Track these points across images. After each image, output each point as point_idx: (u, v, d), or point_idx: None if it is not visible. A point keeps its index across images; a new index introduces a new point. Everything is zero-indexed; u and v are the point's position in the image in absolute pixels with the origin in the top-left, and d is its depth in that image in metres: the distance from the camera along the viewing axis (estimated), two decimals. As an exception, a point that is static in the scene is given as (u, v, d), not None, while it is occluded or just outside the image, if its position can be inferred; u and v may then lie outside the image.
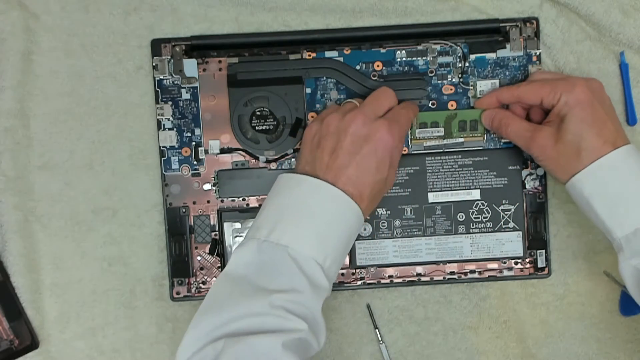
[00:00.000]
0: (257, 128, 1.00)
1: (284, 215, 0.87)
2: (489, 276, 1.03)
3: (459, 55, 1.01)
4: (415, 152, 1.01)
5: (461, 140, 1.01)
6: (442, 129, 1.01)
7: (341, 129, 0.89)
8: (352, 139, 0.88)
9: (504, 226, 1.01)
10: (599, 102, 0.90)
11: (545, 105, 0.93)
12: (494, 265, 1.03)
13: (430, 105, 1.01)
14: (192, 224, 1.03)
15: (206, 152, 1.02)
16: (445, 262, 1.03)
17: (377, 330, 1.05)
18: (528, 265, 1.03)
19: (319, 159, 0.89)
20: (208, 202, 1.03)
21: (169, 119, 1.01)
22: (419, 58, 1.01)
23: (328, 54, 1.01)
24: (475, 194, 1.01)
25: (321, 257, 0.85)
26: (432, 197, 1.01)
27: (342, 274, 1.03)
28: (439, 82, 1.01)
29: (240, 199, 1.02)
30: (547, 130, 0.92)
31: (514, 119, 0.96)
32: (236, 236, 1.02)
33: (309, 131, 0.93)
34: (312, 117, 1.01)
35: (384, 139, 0.88)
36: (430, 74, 1.01)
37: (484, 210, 1.01)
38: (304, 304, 0.83)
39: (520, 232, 1.02)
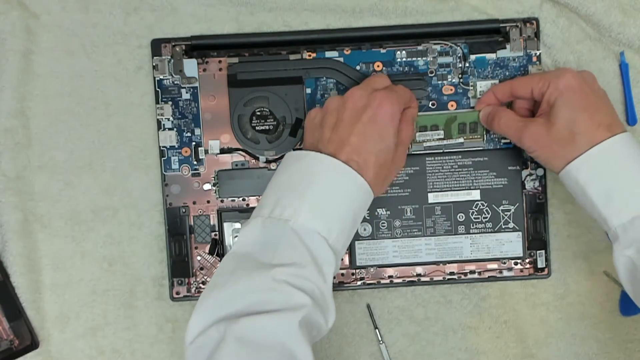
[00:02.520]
0: (257, 128, 1.00)
1: (286, 190, 0.87)
2: (488, 277, 1.03)
3: (459, 55, 1.01)
4: (415, 152, 1.01)
5: (461, 140, 1.01)
6: (442, 132, 1.01)
7: (340, 105, 0.90)
8: (351, 111, 0.89)
9: (503, 226, 1.01)
10: (590, 89, 0.90)
11: (536, 95, 0.93)
12: (494, 265, 1.03)
13: (430, 105, 1.01)
14: (192, 224, 1.03)
15: (206, 152, 1.02)
16: (445, 263, 1.03)
17: (377, 330, 1.05)
18: (528, 266, 1.03)
19: (321, 136, 0.90)
20: (208, 202, 1.03)
21: (169, 119, 1.01)
22: (419, 58, 1.01)
23: (328, 54, 1.02)
24: (475, 195, 1.01)
25: (325, 230, 0.85)
26: (432, 198, 1.01)
27: (342, 274, 1.03)
28: (439, 82, 1.01)
29: (240, 199, 1.02)
30: (539, 119, 0.91)
31: (505, 111, 0.96)
32: (236, 236, 1.02)
33: (309, 117, 0.94)
34: (312, 117, 1.01)
35: (382, 104, 0.88)
36: (430, 74, 1.01)
37: (484, 210, 1.01)
38: (307, 277, 0.83)
39: (520, 233, 1.02)
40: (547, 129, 0.90)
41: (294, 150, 1.01)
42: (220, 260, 1.02)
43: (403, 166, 0.97)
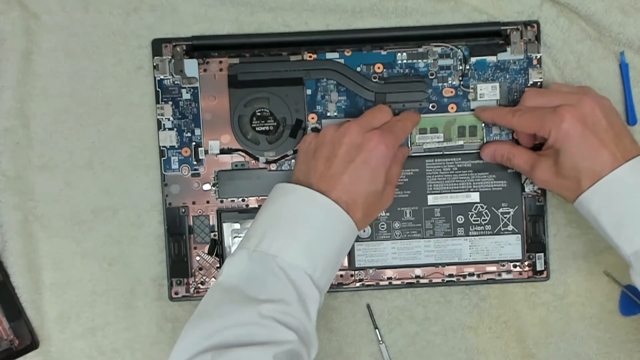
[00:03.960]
0: (257, 129, 1.00)
1: (273, 224, 0.87)
2: (487, 279, 1.03)
3: (459, 58, 1.01)
4: (415, 154, 1.01)
5: (461, 143, 1.01)
6: (442, 135, 1.01)
7: (336, 139, 0.90)
8: (347, 148, 0.88)
9: (503, 229, 1.02)
10: (590, 130, 0.89)
11: (539, 137, 0.96)
12: (493, 268, 1.03)
13: (430, 107, 1.01)
14: (192, 224, 1.03)
15: (206, 152, 1.02)
16: (444, 265, 1.03)
17: (377, 330, 1.05)
18: (527, 269, 1.03)
19: (313, 168, 0.90)
20: (207, 202, 1.03)
21: (169, 119, 1.01)
22: (419, 60, 1.01)
23: (329, 55, 1.01)
24: (475, 197, 1.01)
25: (310, 268, 0.85)
26: (432, 200, 1.01)
27: (341, 275, 1.03)
28: (440, 84, 1.01)
29: (240, 199, 1.02)
30: (544, 164, 0.93)
31: (514, 152, 0.97)
32: (235, 237, 1.02)
33: (303, 142, 0.93)
34: (312, 118, 1.01)
35: (376, 148, 0.88)
36: (430, 77, 1.01)
37: (483, 213, 1.01)
38: (293, 314, 0.83)
39: (519, 235, 1.02)
40: (553, 175, 0.92)
41: (293, 151, 1.02)
42: (219, 261, 1.03)
43: (390, 204, 0.96)
